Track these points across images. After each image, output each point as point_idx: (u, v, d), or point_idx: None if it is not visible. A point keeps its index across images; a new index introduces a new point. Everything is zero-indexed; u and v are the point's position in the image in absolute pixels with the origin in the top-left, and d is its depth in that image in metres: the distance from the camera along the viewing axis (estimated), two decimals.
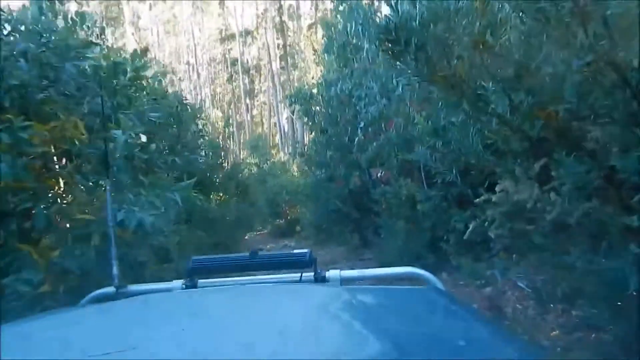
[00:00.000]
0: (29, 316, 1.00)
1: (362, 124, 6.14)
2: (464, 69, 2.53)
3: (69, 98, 3.24)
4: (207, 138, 9.11)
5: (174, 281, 1.23)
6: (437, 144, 3.80)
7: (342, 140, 7.24)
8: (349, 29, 6.25)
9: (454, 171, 3.93)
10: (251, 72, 31.06)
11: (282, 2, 28.14)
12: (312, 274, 1.19)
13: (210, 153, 9.73)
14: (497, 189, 2.55)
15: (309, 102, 9.40)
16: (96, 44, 3.73)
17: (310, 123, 9.79)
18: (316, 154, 9.12)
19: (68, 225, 2.90)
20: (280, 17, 28.35)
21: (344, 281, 1.21)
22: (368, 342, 0.65)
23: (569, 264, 2.31)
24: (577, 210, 2.22)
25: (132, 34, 31.70)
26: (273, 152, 22.21)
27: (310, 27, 25.47)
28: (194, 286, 1.19)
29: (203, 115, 9.76)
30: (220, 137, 10.14)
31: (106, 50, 4.26)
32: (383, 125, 6.30)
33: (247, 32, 30.21)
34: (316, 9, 25.14)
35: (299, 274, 1.19)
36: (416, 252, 5.28)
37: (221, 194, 10.58)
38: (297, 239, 13.59)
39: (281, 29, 28.27)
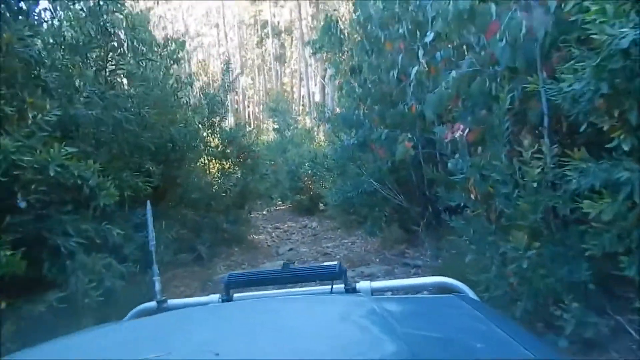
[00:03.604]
0: (74, 331, 1.03)
1: (429, 38, 3.05)
2: None
3: None
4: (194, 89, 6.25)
5: (211, 295, 1.26)
6: None
7: (386, 80, 4.18)
8: None
9: None
10: (282, 35, 27.73)
11: None
12: (343, 285, 1.18)
13: (206, 111, 7.01)
14: None
15: (338, 38, 6.35)
16: None
17: (338, 72, 6.77)
18: (343, 109, 6.12)
19: None
20: None
21: (375, 292, 1.18)
22: (385, 346, 0.70)
23: None
24: None
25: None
26: (300, 118, 19.27)
27: None
28: (230, 299, 1.21)
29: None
30: (223, 93, 7.27)
31: None
32: (465, 47, 3.21)
33: None
34: None
35: (330, 286, 1.19)
36: (557, 293, 2.28)
37: (224, 163, 7.91)
38: (319, 218, 10.92)
39: None
